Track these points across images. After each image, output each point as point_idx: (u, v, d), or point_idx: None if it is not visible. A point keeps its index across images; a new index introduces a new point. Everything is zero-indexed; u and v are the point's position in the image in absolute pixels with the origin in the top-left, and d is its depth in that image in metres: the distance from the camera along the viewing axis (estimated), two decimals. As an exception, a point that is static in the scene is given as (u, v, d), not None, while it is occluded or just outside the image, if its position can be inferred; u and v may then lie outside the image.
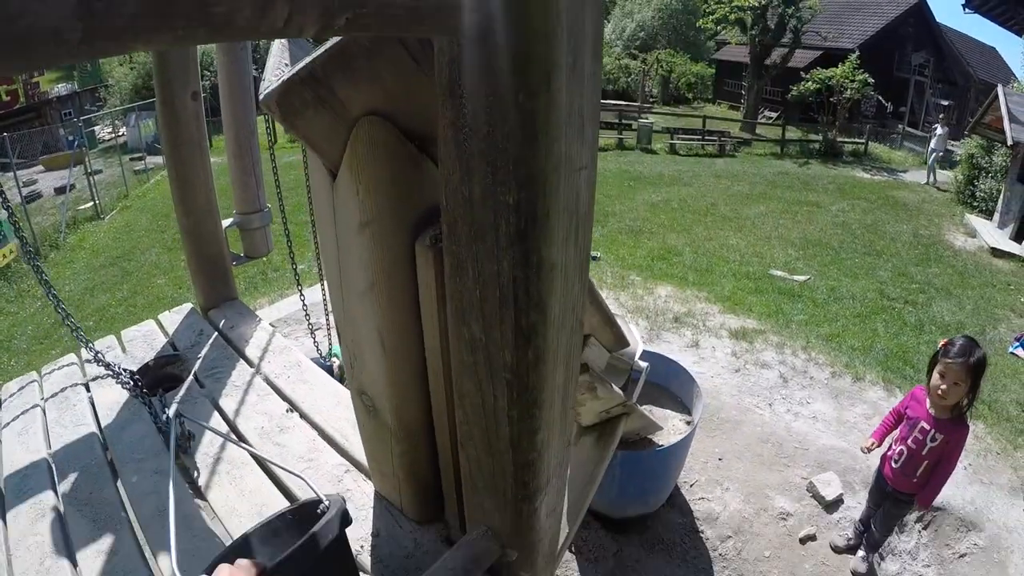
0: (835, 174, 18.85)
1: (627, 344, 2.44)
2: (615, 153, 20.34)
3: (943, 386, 3.18)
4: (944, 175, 17.45)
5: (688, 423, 4.02)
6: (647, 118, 24.68)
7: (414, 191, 1.47)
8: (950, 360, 3.12)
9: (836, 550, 4.14)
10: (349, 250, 1.60)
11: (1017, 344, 7.89)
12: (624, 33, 49.21)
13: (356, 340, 1.79)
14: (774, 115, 30.30)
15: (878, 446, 3.73)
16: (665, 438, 3.92)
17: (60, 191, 16.65)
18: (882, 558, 4.31)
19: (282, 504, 2.14)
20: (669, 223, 11.43)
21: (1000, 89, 13.15)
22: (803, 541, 4.18)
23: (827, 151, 21.96)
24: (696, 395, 4.11)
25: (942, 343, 3.24)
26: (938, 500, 4.76)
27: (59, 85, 27.58)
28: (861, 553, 4.05)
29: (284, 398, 2.90)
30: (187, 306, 3.88)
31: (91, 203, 15.63)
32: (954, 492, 4.92)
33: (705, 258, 9.34)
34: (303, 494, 2.16)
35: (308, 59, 1.28)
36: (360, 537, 2.04)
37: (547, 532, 1.70)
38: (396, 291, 1.58)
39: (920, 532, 4.66)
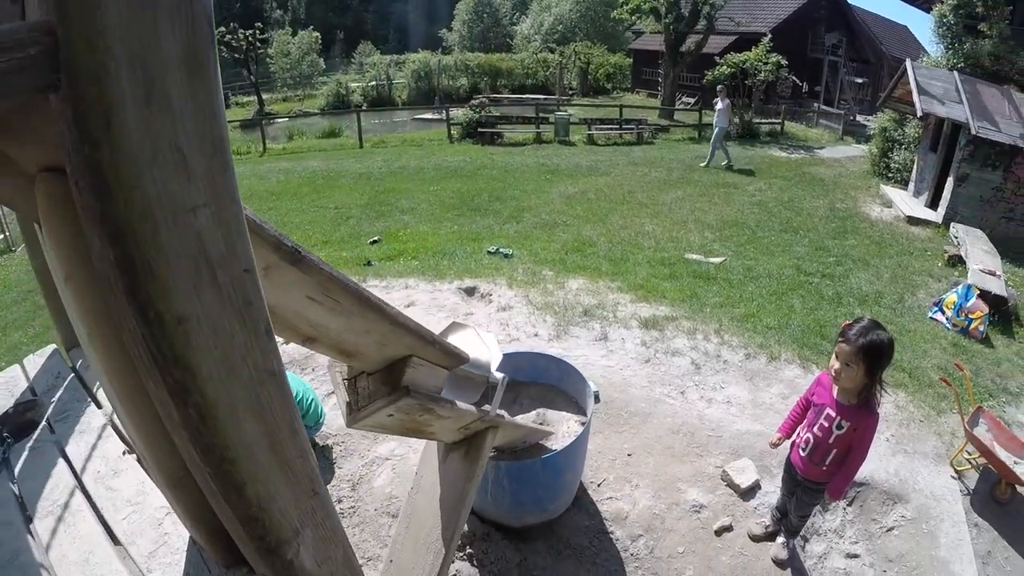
0: (752, 154, 19.05)
1: (462, 358, 2.25)
2: (533, 148, 20.16)
3: (836, 366, 3.07)
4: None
5: (584, 424, 3.78)
6: (565, 110, 24.64)
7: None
8: (842, 340, 3.01)
9: (754, 539, 4.01)
10: (67, 301, 1.60)
11: (936, 309, 7.89)
12: (542, 27, 49.82)
13: (106, 391, 1.78)
14: (691, 101, 30.73)
15: (787, 439, 3.63)
16: (560, 441, 3.72)
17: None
18: (806, 540, 4.19)
19: (109, 552, 2.22)
20: (585, 214, 11.21)
21: (909, 64, 13.43)
22: (719, 533, 4.03)
23: (744, 133, 22.33)
24: (588, 394, 3.89)
25: (845, 324, 3.10)
26: (861, 475, 4.71)
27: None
28: (781, 539, 3.96)
29: (123, 439, 2.84)
30: (50, 347, 3.80)
31: (1, 235, 14.70)
32: (877, 465, 4.84)
33: (620, 247, 9.12)
34: (129, 539, 2.28)
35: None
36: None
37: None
38: (110, 342, 1.52)
39: (845, 509, 4.56)
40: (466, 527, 3.69)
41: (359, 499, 4.08)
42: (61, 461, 2.76)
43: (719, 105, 16.61)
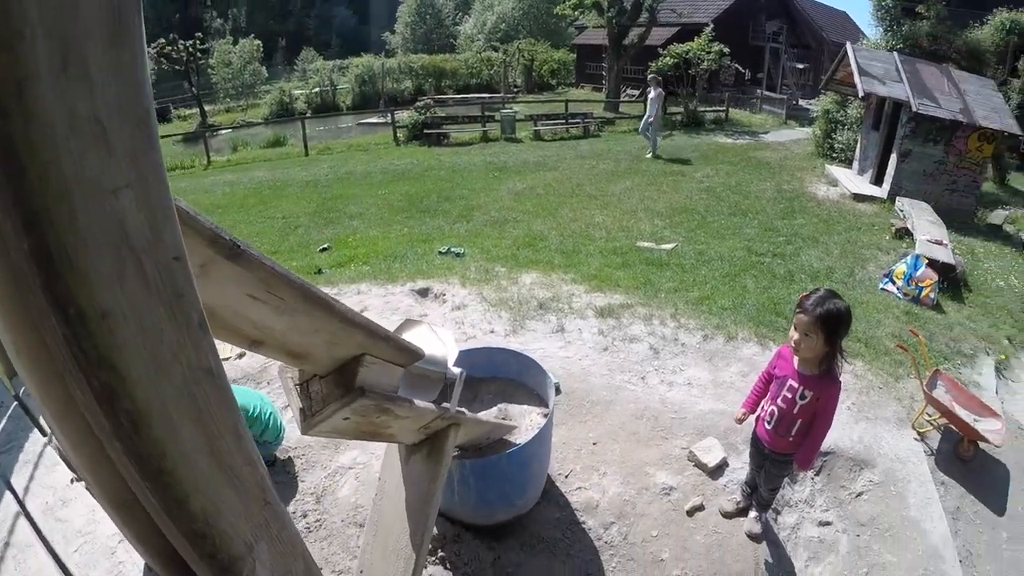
0: (698, 142, 19.28)
1: (417, 354, 2.19)
2: (480, 146, 20.13)
3: (795, 337, 3.09)
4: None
5: (546, 416, 3.75)
6: (511, 108, 24.67)
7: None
8: (800, 311, 3.04)
9: (727, 515, 4.02)
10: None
11: (886, 280, 8.07)
12: (485, 27, 49.89)
13: (40, 410, 1.66)
14: (636, 93, 31.01)
15: (752, 414, 3.64)
16: (523, 435, 3.66)
17: None
18: (778, 512, 4.22)
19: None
20: (535, 209, 11.19)
21: (849, 47, 13.81)
22: (691, 513, 4.03)
23: (690, 121, 22.64)
24: (548, 385, 3.86)
25: (802, 295, 3.12)
26: (826, 444, 4.76)
27: None
28: (753, 514, 3.97)
29: (68, 466, 2.77)
30: (-9, 377, 3.76)
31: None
32: (841, 434, 4.91)
33: (571, 240, 9.12)
34: (82, 572, 2.21)
35: None
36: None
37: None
38: (35, 350, 1.30)
39: (813, 479, 4.62)
40: (436, 530, 3.63)
41: (324, 511, 3.99)
42: (7, 494, 2.67)
43: (651, 94, 16.68)
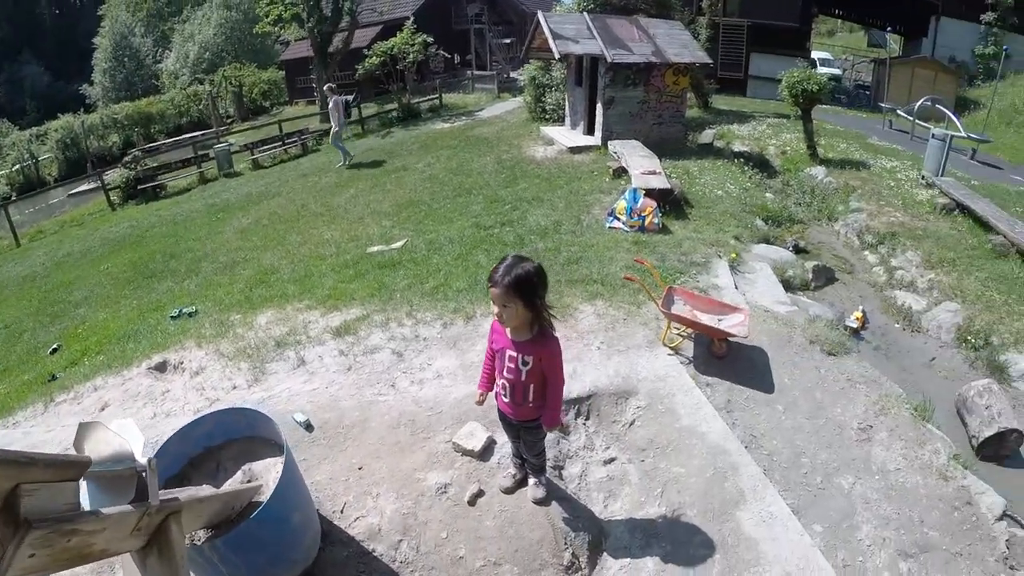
0: (417, 133, 19.50)
1: (82, 464, 2.01)
2: (199, 189, 18.96)
3: (496, 311, 3.15)
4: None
5: (281, 460, 3.56)
6: (225, 141, 23.47)
7: None
8: (492, 286, 3.07)
9: (508, 491, 4.06)
10: None
11: (611, 218, 8.66)
12: (189, 59, 46.67)
13: None
14: (350, 98, 30.72)
15: (489, 392, 3.65)
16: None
17: None
18: (561, 467, 4.32)
19: None
20: (263, 243, 10.69)
21: (540, 15, 14.66)
22: (472, 502, 4.02)
23: (406, 115, 22.78)
24: (277, 429, 3.69)
25: (492, 270, 3.13)
26: (584, 387, 4.98)
27: None
28: (532, 480, 4.02)
29: None
30: None
31: None
32: (596, 374, 5.13)
33: (303, 264, 8.82)
34: None
35: None
36: None
37: None
38: None
39: (584, 424, 4.77)
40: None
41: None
42: None
43: (330, 104, 16.63)
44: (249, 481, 3.56)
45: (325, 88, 17.02)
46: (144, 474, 2.35)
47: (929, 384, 6.35)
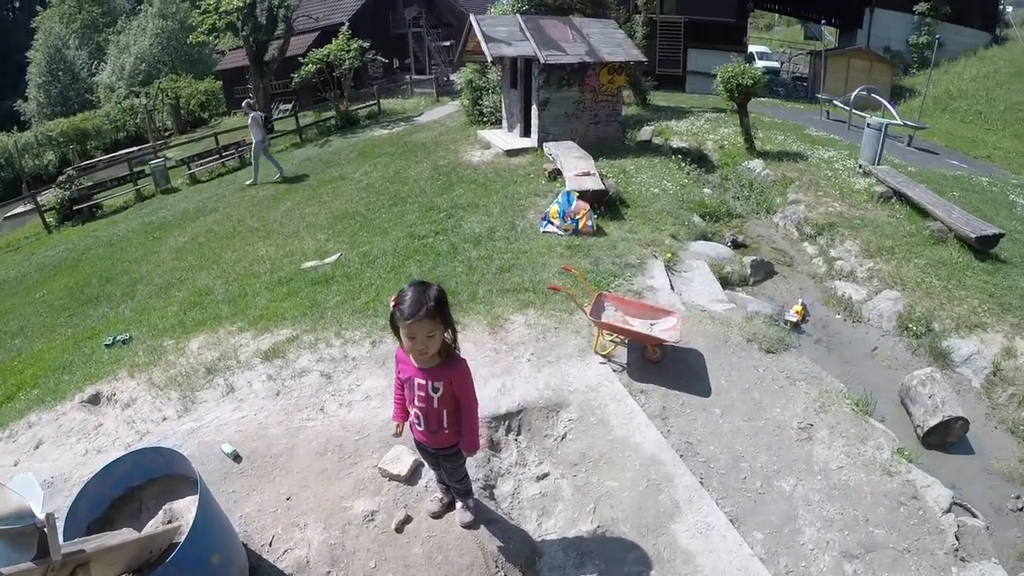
0: (355, 141, 19.29)
1: None
2: (136, 207, 18.46)
3: (419, 347, 3.00)
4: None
5: (196, 498, 3.43)
6: (162, 156, 22.89)
7: None
8: (409, 320, 2.87)
9: (436, 516, 3.98)
10: None
11: (545, 223, 8.58)
12: (125, 71, 45.23)
13: None
14: (288, 107, 30.44)
15: (405, 422, 3.50)
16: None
17: None
18: (492, 486, 4.25)
19: None
20: (198, 263, 10.37)
21: (473, 18, 14.55)
22: (399, 529, 3.93)
23: (344, 123, 22.57)
24: (189, 466, 3.56)
25: (392, 302, 2.95)
26: (514, 402, 4.90)
27: None
28: (459, 504, 3.94)
29: None
30: None
31: None
32: (526, 388, 5.04)
33: (237, 284, 8.54)
34: None
35: None
36: None
37: None
38: None
39: (516, 440, 4.69)
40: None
41: None
42: None
43: (248, 120, 16.40)
44: (170, 521, 3.47)
45: (243, 104, 16.69)
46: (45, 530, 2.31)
47: (872, 374, 6.42)
